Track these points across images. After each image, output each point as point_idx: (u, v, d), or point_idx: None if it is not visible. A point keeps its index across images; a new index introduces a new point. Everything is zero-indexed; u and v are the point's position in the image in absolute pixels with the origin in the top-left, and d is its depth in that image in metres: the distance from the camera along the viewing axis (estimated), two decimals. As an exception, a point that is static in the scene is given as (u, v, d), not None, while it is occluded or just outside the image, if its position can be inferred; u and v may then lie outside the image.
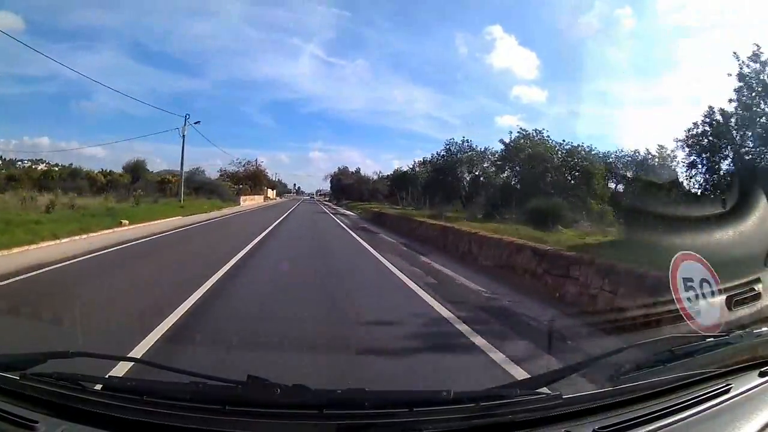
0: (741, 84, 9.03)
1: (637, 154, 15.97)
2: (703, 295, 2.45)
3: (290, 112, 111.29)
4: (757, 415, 1.27)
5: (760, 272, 3.63)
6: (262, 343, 3.85)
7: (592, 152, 18.75)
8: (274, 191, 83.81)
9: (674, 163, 11.89)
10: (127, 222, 15.02)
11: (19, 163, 43.82)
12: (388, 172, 53.01)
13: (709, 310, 2.39)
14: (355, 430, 1.08)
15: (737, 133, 9.17)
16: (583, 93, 50.61)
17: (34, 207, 16.60)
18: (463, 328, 4.71)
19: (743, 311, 3.34)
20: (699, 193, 9.38)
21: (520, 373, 3.35)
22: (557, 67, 73.90)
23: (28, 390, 1.16)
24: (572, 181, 18.12)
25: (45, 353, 1.31)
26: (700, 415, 1.26)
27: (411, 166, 39.20)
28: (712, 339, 1.62)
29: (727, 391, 1.36)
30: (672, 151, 12.11)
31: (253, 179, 57.70)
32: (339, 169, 76.85)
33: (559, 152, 19.23)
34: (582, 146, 19.04)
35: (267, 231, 15.95)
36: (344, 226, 21.37)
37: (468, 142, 27.01)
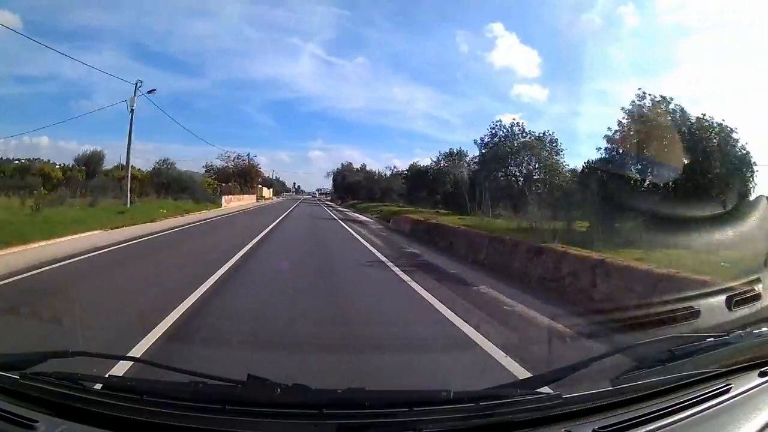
0: None
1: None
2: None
3: (290, 112, 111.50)
4: (757, 415, 1.27)
5: (760, 272, 3.64)
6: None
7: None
8: (271, 190, 78.89)
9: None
10: None
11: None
12: (399, 166, 50.25)
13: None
14: (355, 429, 1.08)
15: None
16: (585, 91, 50.12)
17: None
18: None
19: (743, 311, 3.34)
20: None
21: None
22: (559, 65, 73.51)
23: (28, 390, 1.16)
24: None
25: (45, 353, 1.31)
26: (700, 415, 1.26)
27: (434, 159, 33.94)
28: (712, 339, 1.61)
29: (727, 391, 1.36)
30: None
31: (244, 176, 51.02)
32: (342, 165, 70.69)
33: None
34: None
35: (217, 276, 6.74)
36: (386, 260, 9.56)
37: (519, 125, 21.86)
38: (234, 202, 37.56)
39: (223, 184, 42.13)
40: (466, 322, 4.73)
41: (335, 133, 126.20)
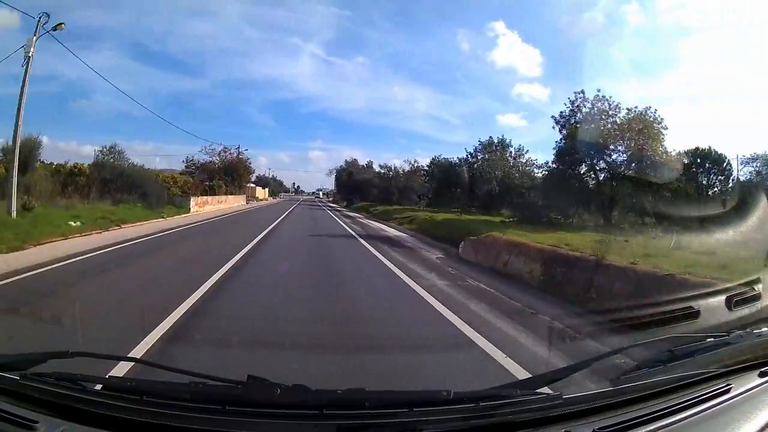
0: None
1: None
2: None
3: (290, 112, 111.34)
4: (757, 415, 1.27)
5: (760, 272, 3.64)
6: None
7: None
8: (266, 190, 72.25)
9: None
10: None
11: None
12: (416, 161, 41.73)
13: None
14: (355, 430, 1.08)
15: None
16: (589, 90, 49.59)
17: None
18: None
19: (743, 311, 3.34)
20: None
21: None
22: (561, 63, 72.40)
23: (28, 390, 1.16)
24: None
25: (45, 353, 1.31)
26: (700, 415, 1.26)
27: (470, 152, 27.53)
28: (712, 339, 1.61)
29: (727, 391, 1.37)
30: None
31: (230, 172, 41.98)
32: (347, 162, 61.82)
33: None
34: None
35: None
36: None
37: (607, 97, 15.70)
38: (211, 206, 29.38)
39: (207, 183, 34.90)
40: None
41: (335, 134, 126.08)
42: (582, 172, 16.84)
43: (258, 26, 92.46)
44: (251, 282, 6.99)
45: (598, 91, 16.18)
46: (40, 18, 13.99)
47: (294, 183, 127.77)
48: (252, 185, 57.99)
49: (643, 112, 15.29)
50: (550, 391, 1.28)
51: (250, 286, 6.69)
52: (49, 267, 7.42)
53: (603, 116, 15.57)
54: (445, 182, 30.56)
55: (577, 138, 15.64)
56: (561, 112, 17.24)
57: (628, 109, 15.50)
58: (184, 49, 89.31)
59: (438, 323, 5.02)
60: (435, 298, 6.18)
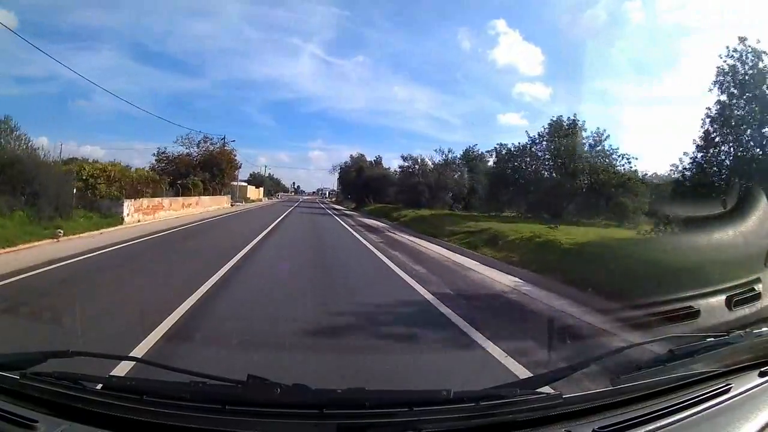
0: None
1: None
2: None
3: (290, 112, 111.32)
4: (757, 415, 1.27)
5: (760, 272, 3.64)
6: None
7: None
8: (261, 189, 64.58)
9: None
10: None
11: None
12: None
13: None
14: (355, 430, 1.08)
15: None
16: (590, 89, 48.62)
17: None
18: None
19: (743, 311, 3.34)
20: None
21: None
22: (563, 62, 71.55)
23: (28, 390, 1.16)
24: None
25: (45, 353, 1.31)
26: (700, 415, 1.26)
27: (532, 138, 21.45)
28: (712, 339, 1.61)
29: (727, 391, 1.37)
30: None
31: (210, 167, 33.58)
32: (353, 158, 52.64)
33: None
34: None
35: None
36: None
37: None
38: (168, 212, 20.96)
39: (180, 181, 27.78)
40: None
41: (335, 134, 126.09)
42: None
43: (258, 26, 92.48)
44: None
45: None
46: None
47: (294, 183, 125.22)
48: (242, 183, 51.86)
49: None
50: (551, 391, 1.28)
51: None
52: None
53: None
54: (500, 178, 22.71)
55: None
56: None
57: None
58: (184, 49, 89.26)
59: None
60: None
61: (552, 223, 14.44)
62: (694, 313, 3.96)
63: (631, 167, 19.73)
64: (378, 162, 48.64)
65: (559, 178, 19.41)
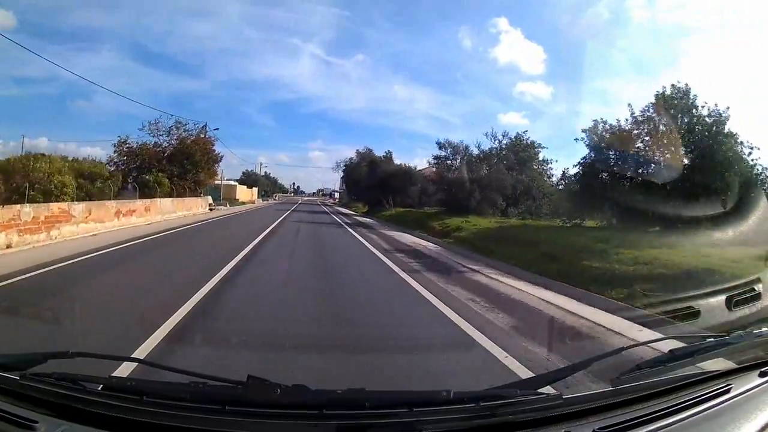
0: None
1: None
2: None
3: (290, 112, 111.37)
4: (757, 415, 1.27)
5: (760, 272, 3.64)
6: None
7: None
8: (254, 189, 58.11)
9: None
10: None
11: None
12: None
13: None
14: (355, 430, 1.08)
15: None
16: (591, 89, 47.67)
17: None
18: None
19: (743, 311, 3.35)
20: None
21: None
22: (565, 61, 70.03)
23: (28, 390, 1.16)
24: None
25: (45, 353, 1.31)
26: (700, 415, 1.26)
27: (635, 115, 13.74)
28: (712, 339, 1.62)
29: (727, 392, 1.37)
30: None
31: (179, 161, 26.43)
32: (359, 152, 43.82)
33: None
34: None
35: None
36: None
37: None
38: (72, 227, 12.13)
39: (131, 181, 22.42)
40: None
41: (335, 134, 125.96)
42: None
43: (258, 27, 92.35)
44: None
45: None
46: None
47: (293, 183, 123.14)
48: (230, 182, 46.43)
49: None
50: (551, 391, 1.28)
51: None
52: None
53: None
54: (594, 174, 14.25)
55: None
56: None
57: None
58: (184, 49, 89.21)
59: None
60: None
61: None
62: (695, 313, 3.97)
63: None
64: (388, 157, 39.94)
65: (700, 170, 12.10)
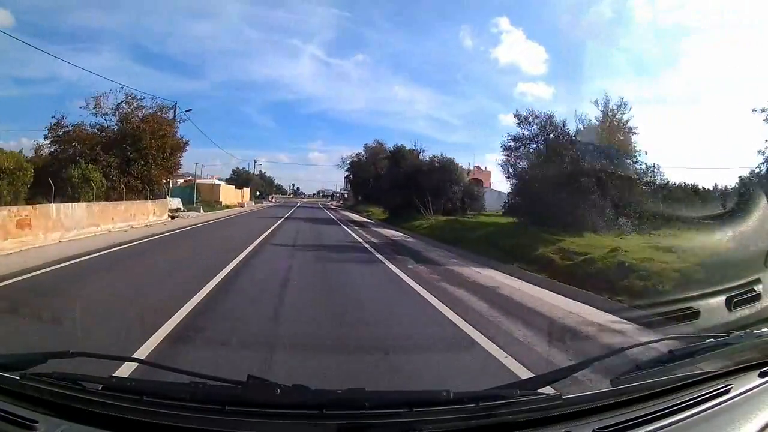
0: None
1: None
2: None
3: (290, 113, 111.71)
4: (757, 415, 1.27)
5: (760, 272, 3.64)
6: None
7: None
8: (245, 190, 51.49)
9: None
10: None
11: None
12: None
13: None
14: (355, 430, 1.08)
15: None
16: (593, 89, 47.59)
17: None
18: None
19: (743, 311, 3.34)
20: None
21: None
22: (567, 61, 70.01)
23: (28, 390, 1.16)
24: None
25: (45, 353, 1.31)
26: (700, 415, 1.26)
27: None
28: (712, 339, 1.61)
29: (727, 392, 1.36)
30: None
31: (121, 147, 19.75)
32: (367, 147, 39.02)
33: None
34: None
35: None
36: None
37: None
38: None
39: (75, 173, 17.03)
40: None
41: (335, 134, 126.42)
42: None
43: (258, 27, 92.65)
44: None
45: None
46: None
47: (293, 184, 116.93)
48: (216, 181, 39.89)
49: None
50: (551, 391, 1.28)
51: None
52: None
53: None
54: None
55: None
56: None
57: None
58: (184, 50, 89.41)
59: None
60: None
61: None
62: (695, 314, 3.97)
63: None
64: (418, 151, 30.89)
65: None
